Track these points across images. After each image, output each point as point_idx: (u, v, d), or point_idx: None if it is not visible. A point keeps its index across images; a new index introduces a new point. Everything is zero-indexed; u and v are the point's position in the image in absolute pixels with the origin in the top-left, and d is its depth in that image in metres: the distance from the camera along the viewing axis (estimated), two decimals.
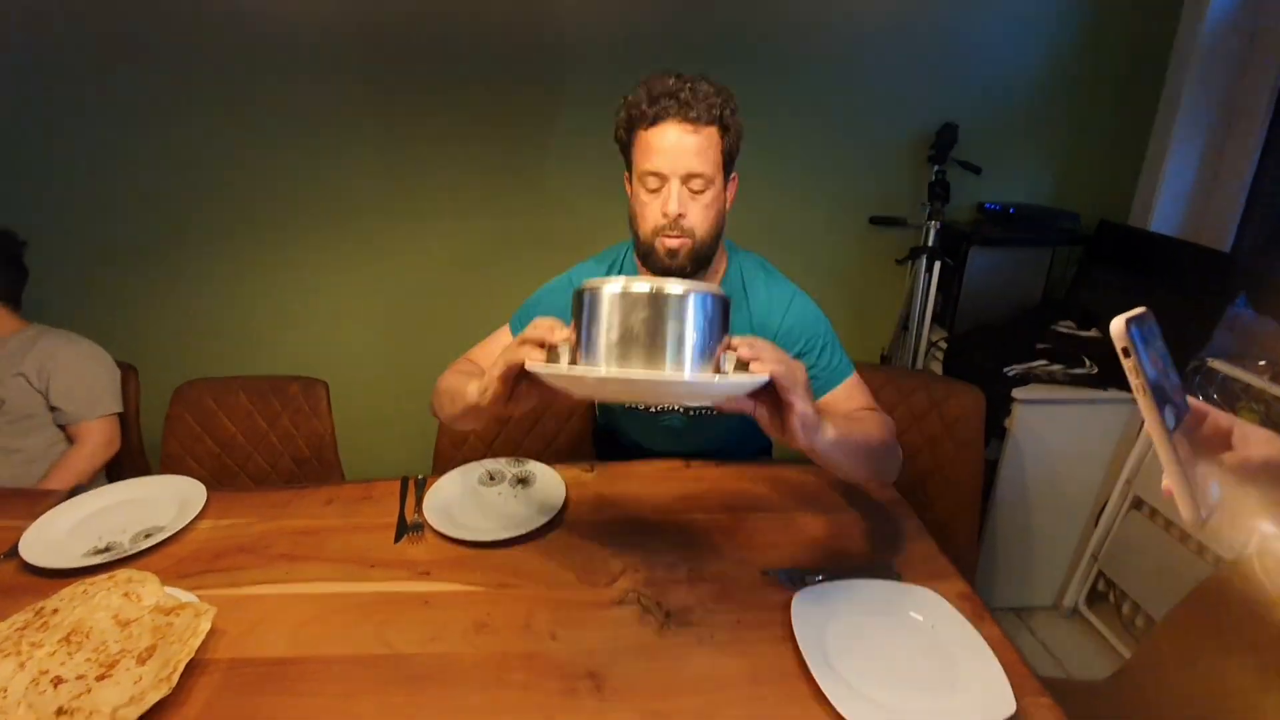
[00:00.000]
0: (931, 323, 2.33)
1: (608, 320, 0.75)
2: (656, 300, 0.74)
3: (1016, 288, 2.31)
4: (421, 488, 1.28)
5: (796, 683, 0.89)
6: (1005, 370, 1.98)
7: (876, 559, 1.14)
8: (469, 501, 1.27)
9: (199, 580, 1.07)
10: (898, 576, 1.08)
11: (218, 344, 2.31)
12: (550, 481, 1.32)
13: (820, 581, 1.05)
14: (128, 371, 1.73)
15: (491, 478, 1.34)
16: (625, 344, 0.75)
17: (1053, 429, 1.98)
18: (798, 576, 1.09)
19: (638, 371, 0.74)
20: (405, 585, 1.07)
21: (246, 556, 1.13)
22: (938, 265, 2.27)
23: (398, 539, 1.18)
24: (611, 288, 0.75)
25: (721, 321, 0.79)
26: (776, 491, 1.32)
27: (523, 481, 1.33)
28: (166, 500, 1.26)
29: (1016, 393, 1.94)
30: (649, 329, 0.74)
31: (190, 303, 2.27)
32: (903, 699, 0.85)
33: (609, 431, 1.55)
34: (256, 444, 1.64)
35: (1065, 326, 2.11)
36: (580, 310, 0.79)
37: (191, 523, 1.21)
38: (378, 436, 2.35)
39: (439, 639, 0.96)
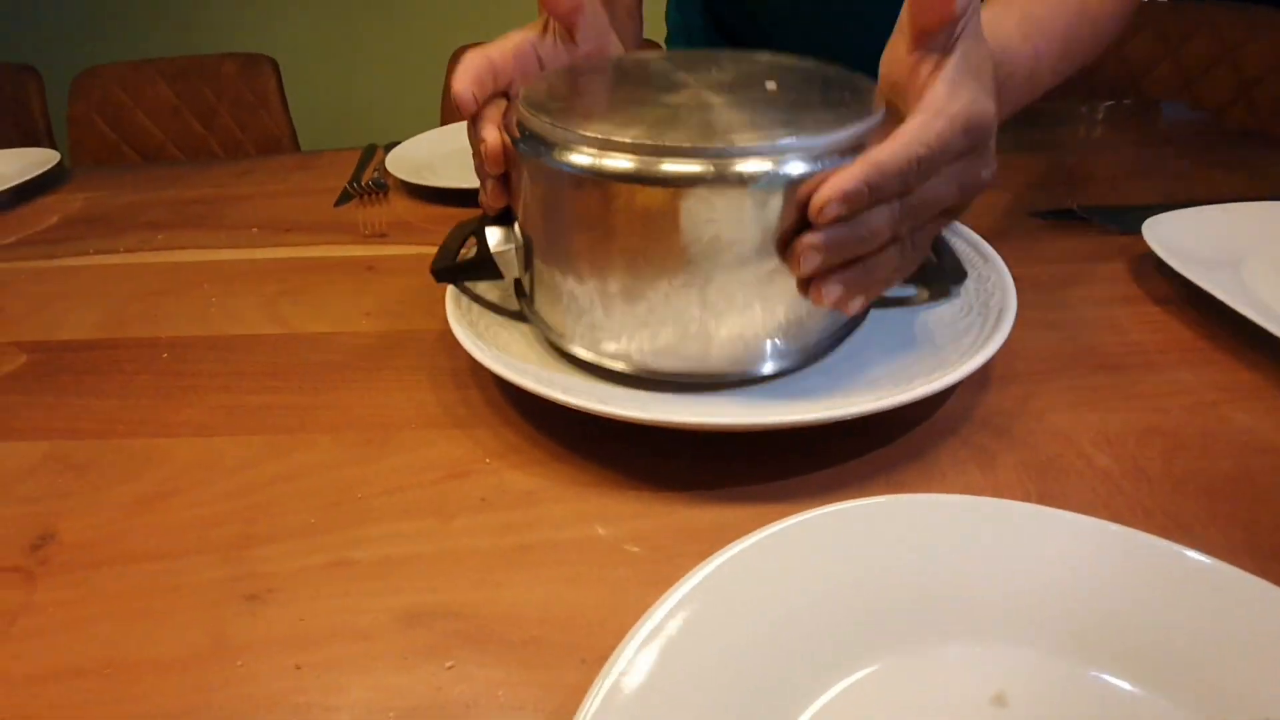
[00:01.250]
0: None
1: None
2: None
3: None
4: (390, 150, 0.77)
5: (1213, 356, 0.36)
6: None
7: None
8: (466, 159, 0.75)
9: None
10: None
11: (130, 26, 1.76)
12: None
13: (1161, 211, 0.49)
14: (25, 74, 1.25)
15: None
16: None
17: None
18: (1112, 214, 0.53)
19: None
20: (339, 249, 0.58)
21: (90, 227, 0.66)
22: None
23: (341, 202, 0.68)
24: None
25: None
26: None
27: None
28: (11, 175, 0.80)
29: None
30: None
31: None
32: None
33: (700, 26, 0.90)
34: (194, 153, 1.16)
35: None
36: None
37: (30, 196, 0.75)
38: (353, 130, 1.77)
39: (378, 314, 0.47)
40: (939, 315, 0.38)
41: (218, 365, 0.43)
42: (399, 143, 0.78)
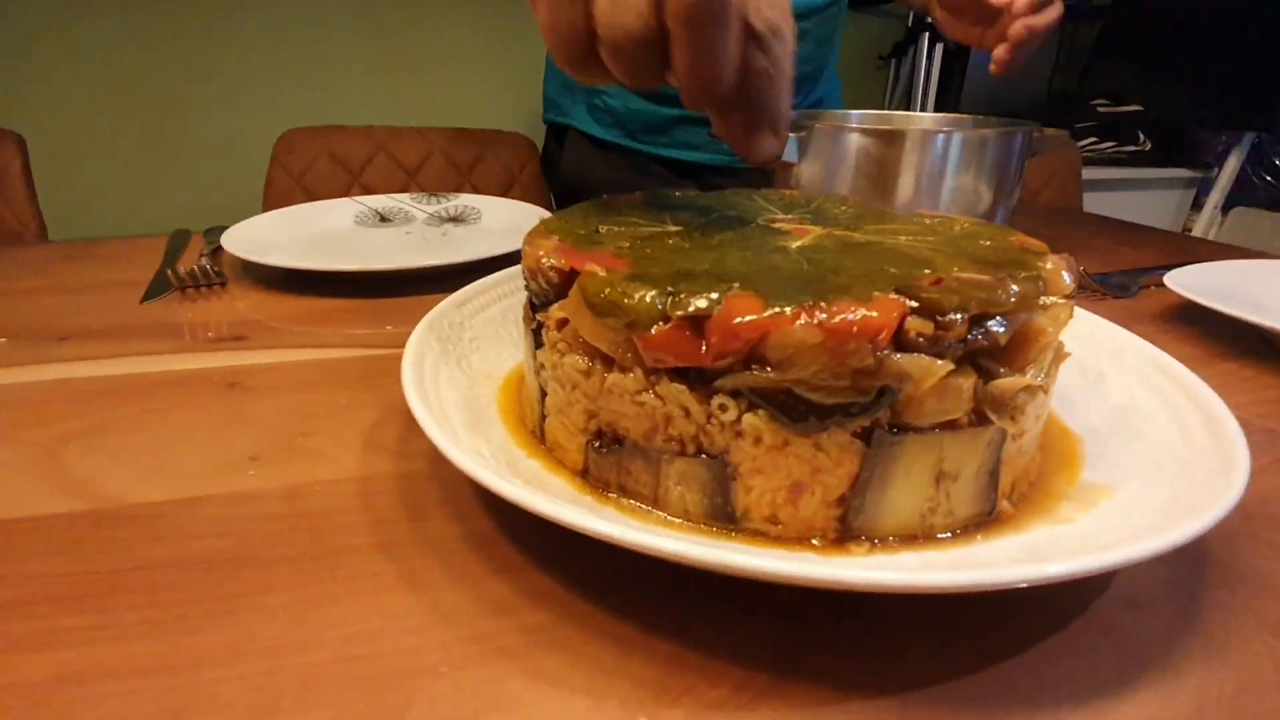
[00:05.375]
0: None
1: None
2: None
3: (1012, 87, 1.90)
4: (215, 235, 0.56)
5: None
6: None
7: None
8: (333, 245, 0.58)
9: None
10: None
11: None
12: (518, 216, 0.64)
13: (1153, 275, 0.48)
14: None
15: (383, 218, 0.64)
16: None
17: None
18: (1121, 282, 0.52)
19: None
20: (171, 361, 0.37)
21: None
22: (939, 51, 1.79)
23: (152, 295, 0.46)
24: None
25: None
26: None
27: (456, 220, 0.65)
28: None
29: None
30: None
31: None
32: None
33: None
34: None
35: (1102, 105, 1.72)
36: None
37: None
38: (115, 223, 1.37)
39: (273, 458, 0.28)
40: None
41: None
42: (223, 227, 0.58)
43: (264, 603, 0.21)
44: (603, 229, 0.28)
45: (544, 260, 0.24)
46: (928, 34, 1.80)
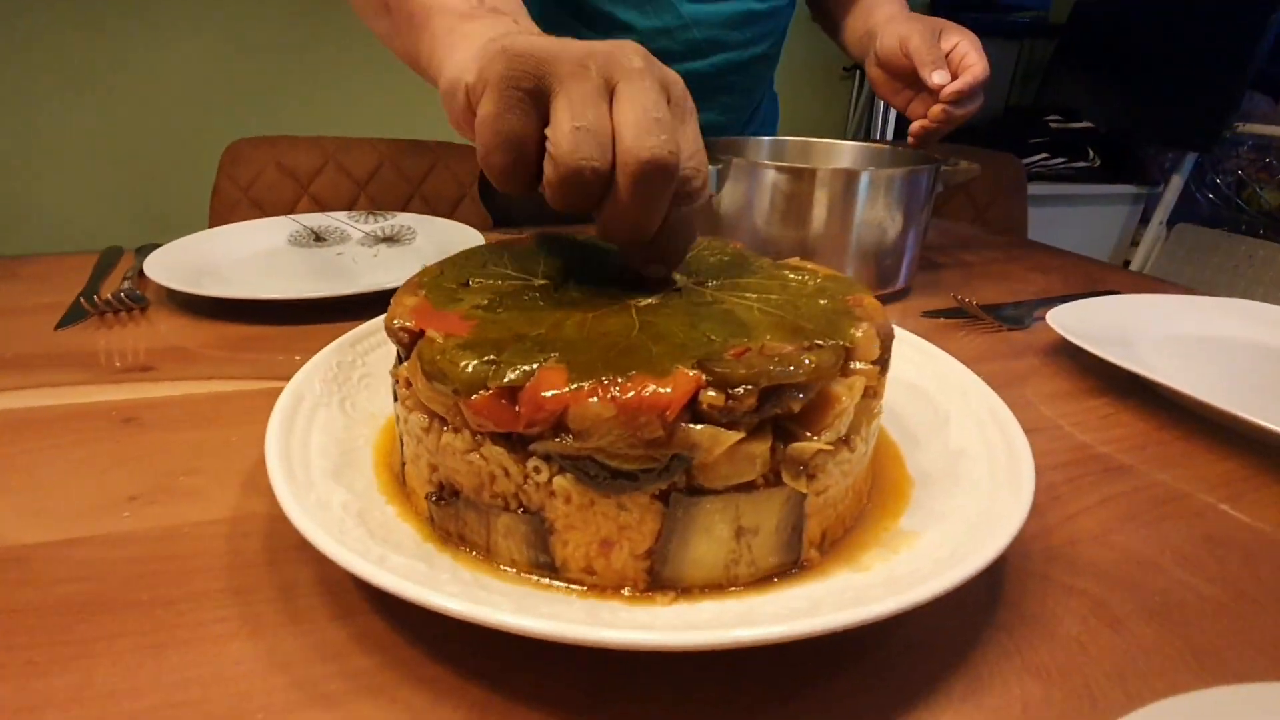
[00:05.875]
0: None
1: None
2: None
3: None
4: (147, 254, 0.57)
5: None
6: None
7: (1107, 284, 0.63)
8: (259, 265, 0.59)
9: None
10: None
11: None
12: (452, 237, 0.66)
13: (1049, 304, 0.51)
14: None
15: (318, 237, 0.65)
16: None
17: (1056, 235, 1.63)
18: (1014, 314, 0.55)
19: None
20: (71, 394, 0.38)
21: None
22: None
23: (67, 322, 0.47)
24: None
25: None
26: None
27: (390, 240, 0.66)
28: None
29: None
30: None
31: None
32: None
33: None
34: None
35: (1054, 121, 1.76)
36: None
37: None
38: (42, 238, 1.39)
39: (151, 498, 0.30)
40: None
41: None
42: (155, 245, 0.59)
43: (111, 648, 0.22)
44: (473, 281, 0.29)
45: (395, 322, 0.25)
46: None
